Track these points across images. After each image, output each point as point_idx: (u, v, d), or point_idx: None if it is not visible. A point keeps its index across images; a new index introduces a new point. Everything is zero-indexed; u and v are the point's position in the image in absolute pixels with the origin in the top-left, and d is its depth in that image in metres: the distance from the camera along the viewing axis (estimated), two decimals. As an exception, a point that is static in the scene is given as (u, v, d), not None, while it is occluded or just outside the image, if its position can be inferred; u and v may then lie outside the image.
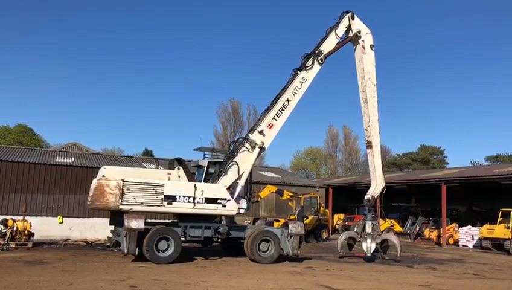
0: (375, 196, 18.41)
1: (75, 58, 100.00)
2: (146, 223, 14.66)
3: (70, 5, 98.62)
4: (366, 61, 18.33)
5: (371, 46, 18.49)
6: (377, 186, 18.42)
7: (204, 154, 18.48)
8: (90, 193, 15.02)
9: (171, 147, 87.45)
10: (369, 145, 18.52)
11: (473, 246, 28.21)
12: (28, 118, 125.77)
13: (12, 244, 17.88)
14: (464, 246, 28.76)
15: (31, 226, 18.99)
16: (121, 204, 14.46)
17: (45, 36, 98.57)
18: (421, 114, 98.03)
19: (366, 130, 18.51)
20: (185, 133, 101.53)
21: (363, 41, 18.32)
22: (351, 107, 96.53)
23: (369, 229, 17.63)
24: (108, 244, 17.34)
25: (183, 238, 15.55)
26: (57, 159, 25.96)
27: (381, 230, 21.05)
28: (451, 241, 29.88)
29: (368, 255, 17.55)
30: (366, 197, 18.30)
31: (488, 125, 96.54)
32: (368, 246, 17.49)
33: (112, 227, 16.64)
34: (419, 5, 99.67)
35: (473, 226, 29.36)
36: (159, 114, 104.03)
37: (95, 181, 15.08)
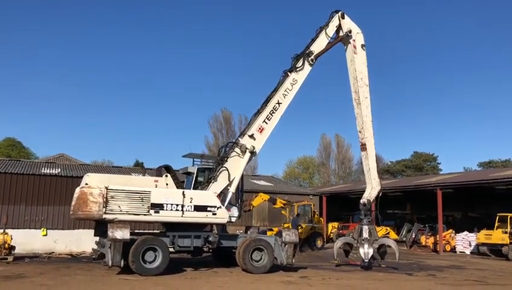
0: (371, 200, 17.77)
1: (65, 69, 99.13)
2: (132, 233, 13.89)
3: (59, 14, 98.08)
4: (357, 61, 17.85)
5: (362, 45, 18.04)
6: (372, 189, 17.81)
7: (194, 161, 17.76)
8: (73, 202, 14.30)
9: (162, 159, 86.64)
10: (363, 147, 17.94)
11: (471, 253, 27.80)
12: (17, 131, 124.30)
13: (-8, 259, 17.00)
14: (461, 252, 28.29)
15: (11, 239, 18.12)
16: (105, 213, 13.67)
17: (34, 49, 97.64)
18: (414, 121, 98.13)
19: (360, 132, 17.95)
20: (177, 144, 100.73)
21: (354, 40, 17.88)
22: (344, 115, 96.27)
23: (365, 234, 16.99)
24: (94, 256, 16.50)
25: (171, 249, 14.79)
26: (43, 170, 25.05)
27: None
28: (448, 247, 29.39)
29: (365, 261, 16.90)
30: (361, 201, 17.68)
31: (480, 132, 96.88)
32: (365, 251, 16.85)
33: (97, 238, 15.84)
34: (415, 18, 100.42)
35: (469, 232, 28.91)
36: (149, 126, 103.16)
37: (78, 189, 14.35)
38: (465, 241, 28.64)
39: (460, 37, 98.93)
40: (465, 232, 29.02)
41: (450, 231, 30.41)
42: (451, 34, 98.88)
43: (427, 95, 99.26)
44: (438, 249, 28.65)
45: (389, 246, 17.26)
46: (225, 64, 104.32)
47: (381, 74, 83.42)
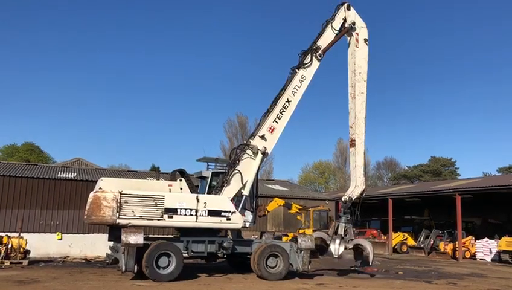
0: (353, 198, 17.10)
1: (83, 74, 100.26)
2: (145, 238, 13.70)
3: (75, 16, 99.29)
4: (358, 55, 17.40)
5: (365, 40, 17.58)
6: (356, 187, 17.19)
7: (208, 165, 17.57)
8: (87, 207, 14.12)
9: (179, 164, 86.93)
10: (352, 143, 17.34)
11: (491, 260, 27.06)
12: (35, 136, 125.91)
13: (7, 263, 17.02)
14: (481, 259, 27.58)
15: (26, 243, 18.14)
16: (119, 218, 13.54)
17: (51, 54, 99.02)
18: (431, 125, 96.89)
19: (351, 127, 17.38)
20: (193, 149, 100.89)
21: (357, 34, 17.43)
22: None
23: (340, 231, 16.56)
24: (108, 261, 16.37)
25: (185, 254, 14.57)
26: (58, 175, 25.18)
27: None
28: (467, 254, 28.70)
29: (335, 256, 16.44)
30: (343, 198, 17.16)
31: (500, 136, 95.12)
32: (336, 247, 16.36)
33: (112, 243, 15.73)
34: (433, 19, 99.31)
35: (489, 238, 28.18)
36: (166, 130, 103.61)
37: (91, 194, 14.23)
38: (485, 248, 27.93)
39: (476, 40, 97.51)
40: (485, 239, 28.29)
41: (470, 237, 29.71)
42: (467, 37, 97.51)
43: (444, 99, 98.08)
44: (457, 256, 27.98)
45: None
46: (238, 68, 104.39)
47: (398, 77, 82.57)
